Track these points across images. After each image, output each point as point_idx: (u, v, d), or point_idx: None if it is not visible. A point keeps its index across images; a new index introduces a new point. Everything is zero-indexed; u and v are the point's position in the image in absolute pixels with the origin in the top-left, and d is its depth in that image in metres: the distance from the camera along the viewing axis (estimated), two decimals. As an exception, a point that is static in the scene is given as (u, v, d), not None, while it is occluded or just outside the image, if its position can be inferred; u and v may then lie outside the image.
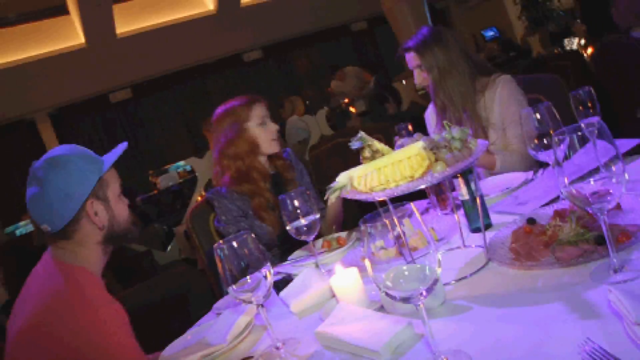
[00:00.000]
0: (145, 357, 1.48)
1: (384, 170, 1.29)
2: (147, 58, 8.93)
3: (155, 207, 7.08)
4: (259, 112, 2.35)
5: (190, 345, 1.50)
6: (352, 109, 8.01)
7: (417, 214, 0.99)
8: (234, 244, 1.26)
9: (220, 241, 1.27)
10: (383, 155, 1.35)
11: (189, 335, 1.58)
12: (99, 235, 1.58)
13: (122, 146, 1.67)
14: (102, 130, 10.01)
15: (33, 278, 1.58)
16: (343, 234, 2.13)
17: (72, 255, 1.55)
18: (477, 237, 1.57)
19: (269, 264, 1.29)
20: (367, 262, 1.00)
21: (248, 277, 1.27)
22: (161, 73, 9.54)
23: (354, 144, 1.33)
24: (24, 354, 1.44)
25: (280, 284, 1.84)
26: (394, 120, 5.72)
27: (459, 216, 1.68)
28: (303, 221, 1.78)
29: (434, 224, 1.83)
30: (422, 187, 1.25)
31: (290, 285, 1.69)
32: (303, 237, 1.77)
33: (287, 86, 11.22)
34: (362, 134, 1.34)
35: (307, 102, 8.99)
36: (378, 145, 1.35)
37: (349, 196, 1.33)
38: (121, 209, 1.64)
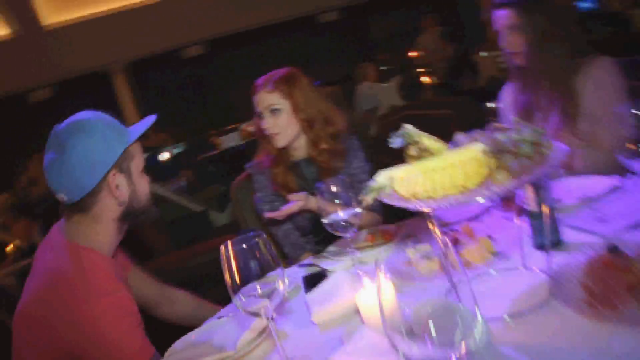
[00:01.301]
0: (149, 350, 1.36)
1: (432, 174, 1.05)
2: (220, 15, 8.85)
3: (216, 167, 7.08)
4: (256, 102, 2.09)
5: (196, 345, 1.36)
6: (425, 80, 7.60)
7: (448, 246, 0.76)
8: (244, 246, 1.08)
9: (229, 242, 1.09)
10: (433, 155, 1.11)
11: (193, 335, 1.44)
12: (117, 211, 1.47)
13: (150, 119, 1.53)
14: (174, 85, 10.14)
15: (42, 253, 1.49)
16: (392, 228, 1.91)
17: (85, 232, 1.44)
18: (543, 256, 1.31)
19: (282, 271, 1.10)
20: (381, 279, 0.79)
21: (258, 285, 1.09)
22: (233, 31, 9.45)
23: (395, 141, 1.10)
24: (24, 331, 1.38)
25: (312, 280, 1.66)
26: (470, 96, 5.33)
27: (523, 225, 1.42)
28: (341, 214, 1.57)
29: (493, 230, 1.57)
30: (477, 201, 1.00)
31: (319, 287, 1.50)
32: (339, 233, 1.57)
33: (361, 51, 10.86)
34: (407, 128, 1.10)
35: (380, 68, 8.65)
36: (427, 142, 1.11)
37: (388, 200, 1.11)
38: (143, 185, 1.53)
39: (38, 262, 1.47)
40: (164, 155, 7.61)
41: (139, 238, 3.49)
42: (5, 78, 8.07)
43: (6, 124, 8.64)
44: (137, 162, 1.50)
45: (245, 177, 2.43)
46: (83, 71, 8.66)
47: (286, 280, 1.11)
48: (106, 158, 1.40)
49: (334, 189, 1.60)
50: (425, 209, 1.05)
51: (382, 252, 1.73)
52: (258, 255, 1.09)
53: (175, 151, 7.97)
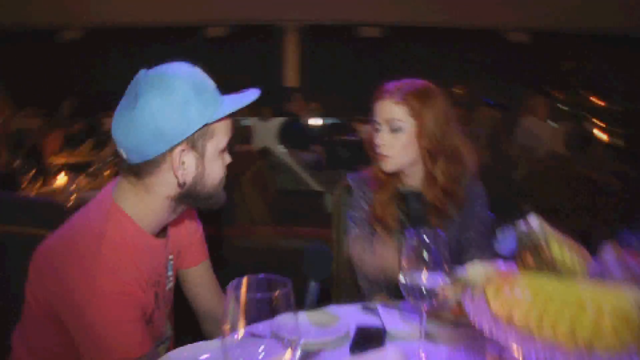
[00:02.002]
0: (139, 347, 1.16)
1: (546, 302, 0.69)
2: (408, 2, 8.62)
3: (350, 152, 6.89)
4: (376, 111, 1.76)
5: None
6: (601, 135, 6.68)
7: None
8: (259, 296, 0.81)
9: (243, 280, 0.83)
10: (559, 274, 0.74)
11: (185, 352, 1.19)
12: (174, 190, 1.25)
13: (252, 93, 1.26)
14: (342, 59, 10.15)
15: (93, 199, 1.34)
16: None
17: (131, 198, 1.25)
18: None
19: (298, 333, 0.82)
20: None
21: (261, 347, 0.82)
22: (417, 23, 9.14)
23: (503, 242, 0.74)
24: (32, 272, 1.24)
25: (365, 337, 1.36)
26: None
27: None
28: (424, 277, 1.23)
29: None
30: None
31: (366, 355, 1.20)
32: (411, 300, 1.23)
33: (539, 81, 9.95)
34: (533, 221, 0.74)
35: (553, 106, 7.81)
36: (557, 252, 0.74)
37: (468, 304, 0.77)
38: (216, 170, 1.28)
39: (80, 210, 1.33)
40: (313, 122, 7.55)
41: (237, 200, 3.40)
42: (183, 8, 8.57)
43: (179, 54, 9.24)
44: (217, 141, 1.25)
45: (345, 186, 2.14)
46: (259, 20, 8.90)
47: (299, 346, 0.82)
48: (178, 129, 1.17)
49: (427, 240, 1.27)
50: (513, 345, 0.69)
51: (460, 337, 1.37)
52: (275, 309, 0.81)
53: (318, 123, 7.93)
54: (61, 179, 3.73)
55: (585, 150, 5.76)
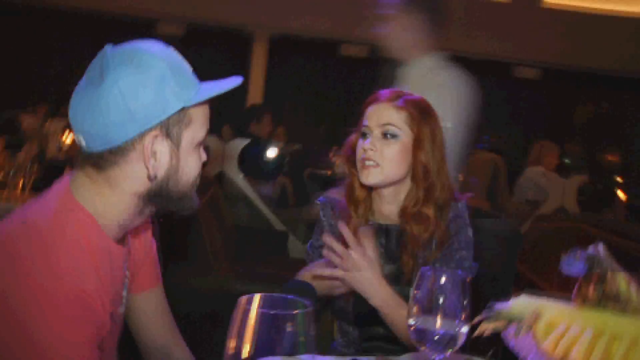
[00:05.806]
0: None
1: (609, 341, 0.75)
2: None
3: (323, 188, 6.94)
4: (368, 116, 1.81)
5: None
6: (620, 194, 6.94)
7: None
8: (275, 312, 0.84)
9: (256, 296, 0.86)
10: (624, 311, 0.80)
11: None
12: (143, 186, 1.27)
13: (234, 80, 1.30)
14: (308, 76, 10.34)
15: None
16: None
17: (91, 194, 1.26)
18: None
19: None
20: None
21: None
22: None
23: (573, 265, 0.80)
24: None
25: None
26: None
27: None
28: (438, 323, 1.27)
29: None
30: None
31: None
32: (425, 349, 1.26)
33: (549, 128, 10.37)
34: (599, 249, 0.81)
35: (566, 160, 8.13)
36: (623, 286, 0.80)
37: (514, 344, 0.82)
38: (191, 165, 1.31)
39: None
40: (273, 151, 7.59)
41: (189, 229, 3.39)
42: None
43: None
44: (194, 131, 1.28)
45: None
46: (225, 26, 9.08)
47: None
48: (152, 110, 1.20)
49: (442, 280, 1.31)
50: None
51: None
52: (290, 331, 0.84)
53: (286, 151, 7.98)
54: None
55: (602, 209, 5.97)
